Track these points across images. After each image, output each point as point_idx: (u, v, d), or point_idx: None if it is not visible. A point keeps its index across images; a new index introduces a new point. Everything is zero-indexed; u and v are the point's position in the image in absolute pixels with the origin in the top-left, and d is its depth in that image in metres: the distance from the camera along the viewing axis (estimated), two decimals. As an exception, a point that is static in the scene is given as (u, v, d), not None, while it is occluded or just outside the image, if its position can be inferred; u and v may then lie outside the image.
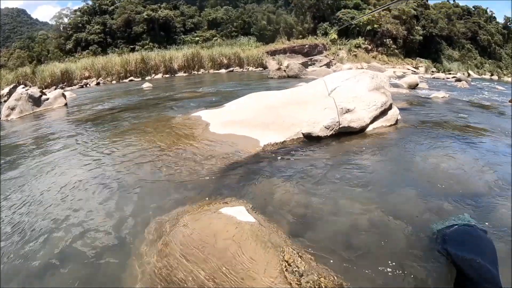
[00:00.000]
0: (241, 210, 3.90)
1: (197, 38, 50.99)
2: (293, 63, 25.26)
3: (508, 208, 4.21)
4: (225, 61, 32.60)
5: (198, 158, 5.85)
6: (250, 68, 32.23)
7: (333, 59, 35.96)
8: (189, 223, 3.77)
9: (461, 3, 63.15)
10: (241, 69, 31.88)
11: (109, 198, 4.71)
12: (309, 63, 30.19)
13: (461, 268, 3.00)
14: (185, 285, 2.92)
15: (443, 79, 30.12)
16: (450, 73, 37.52)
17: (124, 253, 3.56)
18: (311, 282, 2.93)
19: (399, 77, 23.00)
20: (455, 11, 57.84)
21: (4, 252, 3.70)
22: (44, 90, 15.79)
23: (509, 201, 4.37)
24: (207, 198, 4.47)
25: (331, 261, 3.24)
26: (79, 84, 26.88)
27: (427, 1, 52.30)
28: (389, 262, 3.25)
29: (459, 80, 25.05)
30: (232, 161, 5.71)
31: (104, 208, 4.47)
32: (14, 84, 16.90)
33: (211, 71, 31.17)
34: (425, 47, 48.03)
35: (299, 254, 3.28)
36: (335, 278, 3.01)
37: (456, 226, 3.53)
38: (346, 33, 43.55)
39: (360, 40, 42.40)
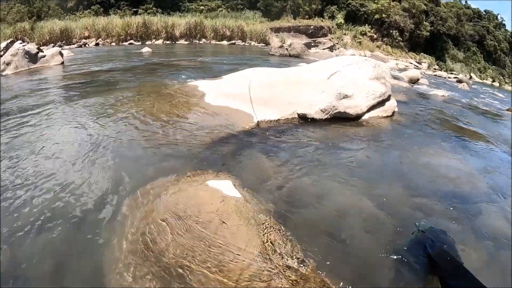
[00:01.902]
0: (228, 185, 3.84)
1: (201, 7, 49.76)
2: (296, 42, 24.92)
3: (493, 215, 4.25)
4: (228, 33, 32.04)
5: (190, 128, 5.75)
6: (252, 43, 31.72)
7: (337, 43, 35.55)
8: (174, 192, 3.72)
9: (472, 5, 62.57)
10: (243, 43, 31.36)
11: (95, 161, 4.58)
12: (312, 44, 29.79)
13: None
14: (165, 253, 2.88)
15: (445, 78, 29.96)
16: (452, 73, 37.31)
17: (107, 216, 3.49)
18: (291, 265, 2.92)
19: (401, 70, 22.83)
20: (465, 12, 57.12)
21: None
22: (41, 47, 15.39)
23: (496, 208, 4.39)
24: (195, 169, 4.38)
25: (313, 246, 3.21)
26: (78, 44, 26.32)
27: None
28: (371, 252, 3.25)
29: (460, 81, 24.93)
30: (224, 134, 5.61)
31: (90, 170, 4.34)
32: (12, 39, 16.39)
33: (213, 41, 30.65)
34: (430, 43, 47.53)
35: (282, 235, 3.25)
36: (315, 263, 3.00)
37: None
38: (354, 19, 42.92)
39: (366, 28, 41.82)
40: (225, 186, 3.80)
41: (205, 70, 13.17)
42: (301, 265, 2.92)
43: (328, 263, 3.02)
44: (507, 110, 14.29)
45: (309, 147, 5.49)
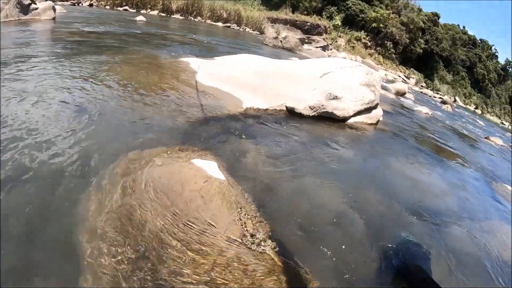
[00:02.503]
0: (213, 166, 3.84)
1: (202, -16, 48.92)
2: (291, 36, 24.88)
3: (457, 232, 4.44)
4: (225, 15, 31.61)
5: (178, 104, 5.67)
6: (247, 29, 31.43)
7: (331, 44, 35.61)
8: (158, 166, 3.68)
9: (469, 32, 63.47)
10: (238, 28, 31.00)
11: (79, 123, 4.40)
12: (306, 40, 29.72)
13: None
14: (144, 228, 2.85)
15: (430, 96, 30.64)
16: (438, 93, 38.04)
17: (85, 181, 3.37)
18: (266, 252, 2.95)
19: (389, 81, 23.15)
20: (461, 37, 57.93)
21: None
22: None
23: (460, 227, 4.58)
24: (180, 145, 4.34)
25: (288, 236, 3.28)
26: (71, 1, 25.47)
27: (438, 19, 52.01)
28: (340, 249, 3.35)
29: (444, 102, 25.46)
30: (212, 115, 5.59)
31: (73, 133, 4.16)
32: (5, -12, 15.69)
33: (208, 21, 30.13)
34: (422, 60, 48.17)
35: (260, 222, 3.29)
36: (288, 252, 3.05)
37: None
38: (351, 23, 43.03)
39: (362, 34, 42.00)
40: (210, 167, 3.80)
41: (197, 48, 12.97)
42: (275, 254, 2.96)
43: (299, 254, 3.09)
44: (485, 138, 14.75)
45: (293, 140, 5.54)
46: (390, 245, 3.59)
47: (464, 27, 62.47)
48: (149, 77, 6.78)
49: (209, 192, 3.36)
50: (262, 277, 2.70)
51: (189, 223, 2.95)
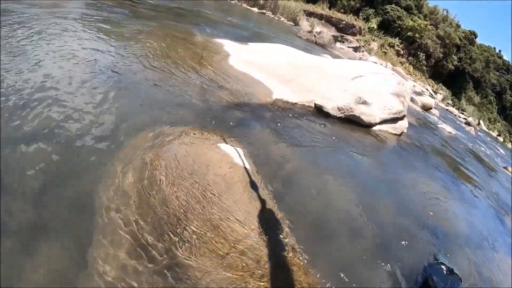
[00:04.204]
0: (239, 153, 3.83)
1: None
2: (326, 32, 24.66)
3: (464, 257, 4.39)
4: (261, 1, 31.40)
5: (209, 84, 5.68)
6: (282, 19, 31.12)
7: (363, 46, 35.09)
8: (185, 144, 3.70)
9: (505, 57, 61.67)
10: (273, 16, 30.71)
11: (108, 91, 4.42)
12: (339, 39, 29.34)
13: None
14: (165, 203, 2.88)
15: (455, 115, 29.91)
16: (463, 113, 37.15)
17: (108, 148, 3.43)
18: (282, 247, 2.97)
19: (416, 93, 22.79)
20: (495, 60, 56.28)
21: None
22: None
23: (473, 255, 4.54)
24: (207, 127, 4.35)
25: (302, 233, 3.27)
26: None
27: (475, 39, 50.67)
28: (350, 254, 3.37)
29: (468, 123, 24.92)
30: (242, 101, 5.59)
31: (101, 100, 4.18)
32: None
33: (244, 5, 29.92)
34: (452, 77, 46.88)
35: (279, 215, 3.30)
36: (302, 250, 3.06)
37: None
38: (387, 28, 42.22)
39: (396, 41, 41.12)
40: (236, 153, 3.80)
41: (232, 31, 12.92)
42: (291, 250, 2.98)
43: (312, 253, 3.08)
44: (504, 167, 14.48)
45: (319, 138, 5.52)
46: (399, 260, 3.60)
47: (500, 51, 60.88)
48: (182, 53, 6.78)
49: (233, 178, 3.37)
50: (275, 270, 2.72)
51: (211, 206, 2.96)
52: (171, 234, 2.66)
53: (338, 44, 26.76)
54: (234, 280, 2.50)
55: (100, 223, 2.62)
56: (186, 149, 3.59)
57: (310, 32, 23.25)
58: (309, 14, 36.43)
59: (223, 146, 3.87)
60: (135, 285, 2.29)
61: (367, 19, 41.97)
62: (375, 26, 41.30)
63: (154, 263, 2.44)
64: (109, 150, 3.41)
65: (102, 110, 3.97)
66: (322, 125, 6.17)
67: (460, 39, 46.10)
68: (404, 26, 41.36)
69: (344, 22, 38.02)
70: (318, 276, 2.90)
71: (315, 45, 20.41)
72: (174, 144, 3.63)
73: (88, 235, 2.52)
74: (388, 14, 42.01)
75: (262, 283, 2.58)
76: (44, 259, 2.27)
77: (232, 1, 29.42)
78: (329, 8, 40.70)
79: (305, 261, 2.97)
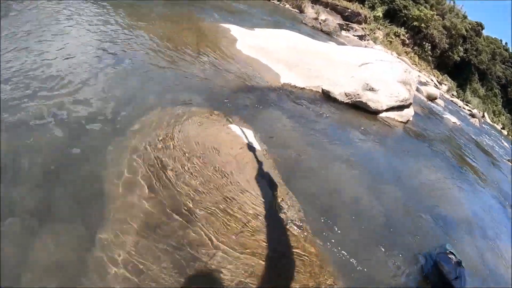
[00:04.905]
0: (250, 134, 3.87)
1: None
2: (331, 20, 24.42)
3: (465, 243, 4.43)
4: (266, -12, 31.13)
5: (217, 68, 5.68)
6: (287, 6, 30.86)
7: (368, 35, 34.79)
8: (196, 125, 3.72)
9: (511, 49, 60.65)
10: (278, 2, 30.45)
11: (116, 73, 4.43)
12: (344, 27, 29.07)
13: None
14: (177, 182, 2.91)
15: (460, 107, 29.57)
16: (467, 105, 36.76)
17: (120, 129, 3.41)
18: (292, 223, 3.00)
19: (421, 83, 22.62)
20: (502, 53, 55.26)
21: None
22: None
23: (478, 242, 4.58)
24: (217, 109, 4.36)
25: (311, 215, 3.30)
26: None
27: (482, 30, 49.88)
28: (357, 237, 3.39)
29: (473, 115, 24.67)
30: (250, 85, 5.59)
31: (111, 81, 4.19)
32: None
33: (249, -9, 29.82)
34: (457, 69, 46.10)
35: (287, 195, 3.32)
36: (310, 232, 3.09)
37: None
38: (393, 17, 41.73)
39: (401, 31, 40.51)
40: (247, 134, 3.82)
41: (238, 17, 12.79)
42: (300, 229, 3.01)
43: (319, 235, 3.12)
44: (508, 160, 14.43)
45: (326, 122, 5.55)
46: (405, 244, 3.64)
47: (506, 43, 60.09)
48: (189, 37, 6.77)
49: (243, 159, 3.40)
50: (284, 247, 2.76)
51: (222, 186, 2.99)
52: (184, 212, 2.68)
53: (343, 32, 26.53)
54: (246, 259, 2.53)
55: (111, 203, 2.63)
56: (197, 129, 3.62)
57: (316, 19, 23.04)
58: (314, 1, 36.05)
59: (234, 127, 3.89)
60: (148, 264, 2.29)
61: (372, 8, 41.48)
62: (381, 15, 40.82)
63: (167, 241, 2.45)
64: (119, 131, 3.40)
65: (110, 92, 3.96)
66: (330, 110, 6.18)
67: (466, 30, 45.45)
68: (410, 16, 40.84)
69: (349, 10, 37.63)
70: (327, 255, 2.94)
71: (321, 33, 20.18)
72: (185, 125, 3.64)
73: (99, 215, 2.52)
74: (394, 3, 41.47)
75: (272, 261, 2.62)
76: (51, 240, 2.27)
77: (237, -13, 29.20)
78: (335, -4, 40.35)
79: (314, 239, 3.01)
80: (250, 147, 3.62)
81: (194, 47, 6.22)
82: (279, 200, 3.19)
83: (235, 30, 8.27)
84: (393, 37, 39.77)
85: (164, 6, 9.18)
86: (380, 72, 8.06)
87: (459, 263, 3.53)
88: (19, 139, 2.94)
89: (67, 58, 4.38)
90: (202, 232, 2.58)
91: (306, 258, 2.77)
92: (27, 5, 5.47)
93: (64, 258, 2.18)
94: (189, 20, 8.34)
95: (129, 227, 2.48)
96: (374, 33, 37.47)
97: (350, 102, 6.99)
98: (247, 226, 2.74)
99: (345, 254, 3.07)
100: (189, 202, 2.77)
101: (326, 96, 6.76)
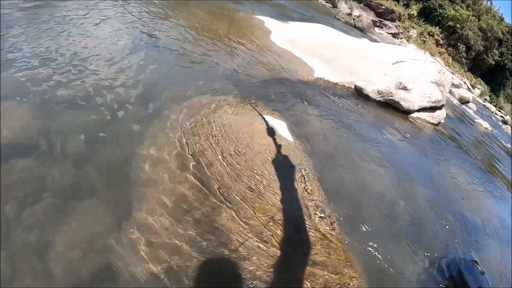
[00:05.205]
0: (282, 125, 3.88)
1: None
2: (365, 16, 24.04)
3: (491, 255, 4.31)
4: (299, -19, 30.87)
5: (251, 59, 5.70)
6: (320, 0, 30.67)
7: (402, 33, 34.10)
8: (230, 114, 3.76)
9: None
10: (312, -3, 30.31)
11: (152, 60, 4.51)
12: (377, 24, 28.59)
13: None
14: (209, 169, 2.96)
15: (492, 112, 28.62)
16: (500, 111, 35.52)
17: (154, 115, 3.49)
18: (320, 217, 3.02)
19: (454, 86, 22.05)
20: None
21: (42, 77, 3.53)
22: None
23: (498, 253, 4.46)
24: (250, 99, 4.39)
25: (339, 211, 3.29)
26: None
27: None
28: (384, 238, 3.35)
29: (505, 122, 23.80)
30: (284, 77, 5.58)
31: (146, 68, 4.27)
32: None
33: (281, -16, 29.63)
34: (492, 72, 44.39)
35: (317, 190, 3.33)
36: (338, 228, 3.09)
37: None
38: (427, 16, 40.62)
39: (436, 30, 39.34)
40: (280, 125, 3.84)
41: (271, 9, 12.75)
42: (328, 223, 3.02)
43: (347, 232, 3.11)
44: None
45: (357, 119, 5.50)
46: (430, 247, 3.59)
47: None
48: (224, 27, 6.81)
49: (276, 149, 3.41)
50: (312, 243, 2.76)
51: (254, 175, 3.03)
52: (215, 198, 2.73)
53: (376, 29, 26.11)
54: (272, 250, 2.55)
55: (144, 184, 2.70)
56: (232, 118, 3.66)
57: (349, 15, 22.73)
58: (348, -3, 35.62)
59: (268, 118, 3.90)
60: (178, 247, 2.35)
61: (407, 5, 40.47)
62: (415, 13, 39.81)
63: (196, 226, 2.50)
64: (155, 115, 3.49)
65: (147, 77, 4.07)
66: (362, 107, 6.13)
67: (503, 33, 43.68)
68: (445, 15, 39.62)
69: (383, 7, 36.88)
70: (353, 251, 2.94)
71: (354, 29, 19.89)
72: (220, 113, 3.69)
73: (131, 195, 2.59)
74: (429, 1, 40.33)
75: (297, 254, 2.65)
76: (84, 218, 2.34)
77: (270, -20, 29.05)
78: (370, -8, 39.59)
79: (341, 235, 3.01)
80: (283, 139, 3.63)
81: (229, 37, 6.26)
82: (309, 192, 3.20)
83: (269, 22, 8.27)
84: (427, 36, 38.71)
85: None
86: (414, 72, 7.91)
87: (482, 273, 3.47)
88: (53, 119, 3.05)
89: (108, 44, 4.51)
90: (232, 220, 2.63)
91: (332, 252, 2.78)
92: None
93: (95, 235, 2.26)
94: (224, 11, 8.36)
95: (162, 209, 2.54)
96: (407, 31, 36.62)
97: (382, 100, 6.91)
98: (275, 217, 2.76)
99: (371, 250, 3.07)
100: (221, 189, 2.82)
101: (359, 93, 6.70)
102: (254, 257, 2.44)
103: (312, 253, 2.69)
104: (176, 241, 2.37)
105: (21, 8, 4.71)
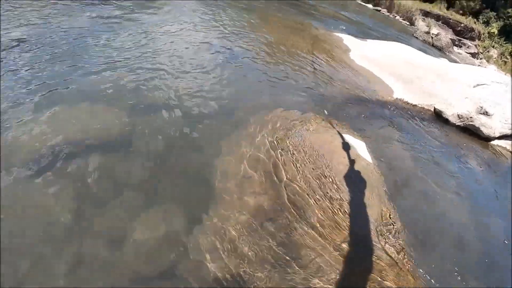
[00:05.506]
0: (362, 146, 3.82)
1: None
2: (444, 35, 23.02)
3: None
4: (377, -3, 30.29)
5: (329, 76, 5.66)
6: (397, 17, 29.72)
7: (481, 53, 32.24)
8: (310, 130, 3.77)
9: None
10: (388, 13, 29.44)
11: (229, 72, 4.68)
12: (456, 42, 27.27)
13: None
14: (287, 182, 3.01)
15: None
16: None
17: (233, 125, 3.62)
18: (395, 242, 2.93)
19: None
20: None
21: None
22: None
23: None
24: (327, 116, 4.36)
25: (413, 236, 3.16)
26: None
27: None
28: (454, 265, 3.16)
29: None
30: (363, 96, 5.46)
31: (224, 80, 4.44)
32: None
33: (358, 0, 29.22)
34: None
35: (393, 215, 3.23)
36: (410, 251, 2.99)
37: None
38: (508, 34, 38.01)
39: (518, 50, 37.02)
40: (359, 145, 3.78)
41: (347, 26, 12.62)
42: (398, 250, 2.91)
43: (421, 257, 2.97)
44: None
45: (436, 144, 5.23)
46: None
47: None
48: (304, 44, 6.86)
49: (355, 169, 3.35)
50: (382, 268, 2.68)
51: (331, 194, 3.00)
52: (292, 213, 2.75)
53: (455, 48, 24.91)
54: (343, 270, 2.50)
55: (220, 191, 2.78)
56: (311, 134, 3.67)
57: (427, 33, 21.88)
58: (425, 14, 34.13)
59: (347, 137, 3.86)
60: (249, 256, 2.38)
61: (487, 23, 37.96)
62: (496, 31, 37.36)
63: (270, 237, 2.52)
64: (234, 124, 3.62)
65: (224, 90, 4.21)
66: (440, 131, 5.86)
67: None
68: (532, 35, 36.91)
69: (462, 25, 34.94)
70: (422, 280, 2.83)
71: (432, 48, 19.11)
72: (300, 128, 3.72)
73: (207, 200, 2.68)
74: (511, 19, 37.80)
75: (367, 278, 2.57)
76: (157, 216, 2.46)
77: (346, -4, 28.84)
78: (447, 9, 37.80)
79: (411, 262, 2.92)
80: (362, 159, 3.59)
81: (307, 53, 6.30)
82: (383, 216, 3.14)
83: (347, 39, 8.22)
84: (509, 57, 36.22)
85: (274, 12, 9.43)
86: (496, 95, 7.45)
87: None
88: (138, 122, 3.31)
89: (190, 51, 4.80)
90: (305, 236, 2.62)
91: (402, 280, 2.68)
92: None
93: (167, 235, 2.37)
94: (302, 26, 8.46)
95: (236, 217, 2.61)
96: (487, 51, 34.42)
97: (462, 125, 6.58)
98: (347, 237, 2.70)
99: (440, 281, 2.95)
100: (298, 204, 2.83)
101: (437, 116, 6.42)
102: (322, 275, 2.40)
103: (379, 278, 2.65)
104: (248, 250, 2.41)
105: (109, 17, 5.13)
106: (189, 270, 2.20)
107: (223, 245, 2.40)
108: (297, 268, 2.41)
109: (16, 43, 4.25)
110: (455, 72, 8.25)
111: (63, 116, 3.17)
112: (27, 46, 4.23)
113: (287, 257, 2.45)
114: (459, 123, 6.53)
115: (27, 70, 3.76)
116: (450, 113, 6.45)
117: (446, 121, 6.37)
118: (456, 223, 3.78)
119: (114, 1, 6.27)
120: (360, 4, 28.28)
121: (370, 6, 28.65)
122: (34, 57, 4.04)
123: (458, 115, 6.49)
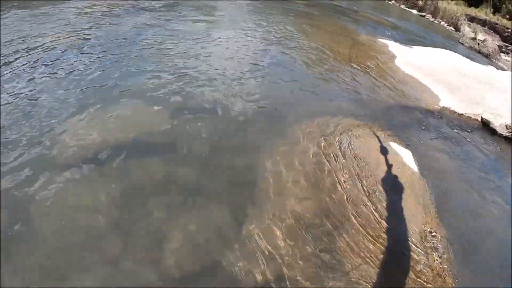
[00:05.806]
0: (408, 155, 3.71)
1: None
2: (490, 41, 22.03)
3: None
4: (420, 3, 29.39)
5: (377, 83, 5.54)
6: (442, 23, 28.73)
7: (530, 60, 30.58)
8: (355, 138, 3.72)
9: None
10: (433, 19, 28.46)
11: (275, 79, 4.73)
12: (503, 49, 26.06)
13: None
14: (332, 189, 3.00)
15: None
16: None
17: (277, 131, 3.65)
18: (439, 255, 2.82)
19: None
20: None
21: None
22: None
23: None
24: (372, 124, 4.27)
25: (457, 248, 3.03)
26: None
27: None
28: (495, 283, 3.00)
29: None
30: (409, 104, 5.29)
31: (269, 86, 4.50)
32: None
33: (402, 6, 28.41)
34: None
35: (437, 225, 3.15)
36: (453, 264, 2.89)
37: None
38: (560, 40, 35.82)
39: None
40: (406, 154, 3.68)
41: (391, 32, 12.33)
42: (443, 262, 2.80)
43: (459, 269, 2.84)
44: None
45: (482, 157, 4.98)
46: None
47: None
48: (347, 49, 6.77)
49: (401, 178, 3.32)
50: (425, 280, 2.59)
51: (376, 202, 2.94)
52: (335, 220, 2.73)
53: (502, 55, 23.82)
54: (383, 283, 2.44)
55: (264, 195, 2.81)
56: (357, 142, 3.62)
57: (474, 39, 21.03)
58: (471, 19, 32.69)
59: (393, 145, 3.78)
60: (291, 261, 2.38)
61: (536, 29, 36.16)
62: (547, 38, 35.38)
63: (314, 243, 2.52)
64: (279, 130, 3.63)
65: (272, 92, 4.30)
66: (487, 142, 5.60)
67: None
68: None
69: (509, 30, 33.36)
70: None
71: (478, 54, 18.41)
72: (345, 135, 3.67)
73: (250, 204, 2.71)
74: (560, 24, 35.51)
75: None
76: (201, 216, 2.51)
77: (389, 2, 28.16)
78: (493, 13, 36.11)
79: (454, 276, 2.83)
80: (408, 168, 3.50)
81: (354, 60, 6.24)
82: (428, 227, 3.06)
83: (393, 46, 8.05)
84: (560, 65, 34.14)
85: (319, 18, 9.38)
86: (547, 106, 7.11)
87: None
88: (181, 124, 3.44)
89: (233, 58, 4.90)
90: (348, 244, 2.58)
91: None
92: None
93: (211, 234, 2.42)
94: (346, 34, 8.36)
95: (279, 222, 2.61)
96: (537, 58, 32.72)
97: (510, 136, 6.32)
98: (391, 247, 2.64)
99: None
100: (343, 210, 2.80)
101: (485, 126, 6.16)
102: (363, 283, 2.37)
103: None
104: (291, 253, 2.42)
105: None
106: (232, 270, 2.24)
107: (267, 247, 2.41)
108: (339, 274, 2.40)
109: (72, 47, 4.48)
110: (503, 80, 7.91)
111: (110, 115, 3.37)
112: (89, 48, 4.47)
113: (330, 263, 2.44)
114: (506, 134, 6.24)
115: (81, 71, 3.97)
116: (498, 123, 6.17)
117: (493, 131, 6.10)
118: (501, 239, 3.64)
119: (165, 9, 6.48)
120: (404, 9, 27.51)
121: (414, 11, 27.78)
122: (88, 60, 4.25)
123: (506, 125, 6.22)
